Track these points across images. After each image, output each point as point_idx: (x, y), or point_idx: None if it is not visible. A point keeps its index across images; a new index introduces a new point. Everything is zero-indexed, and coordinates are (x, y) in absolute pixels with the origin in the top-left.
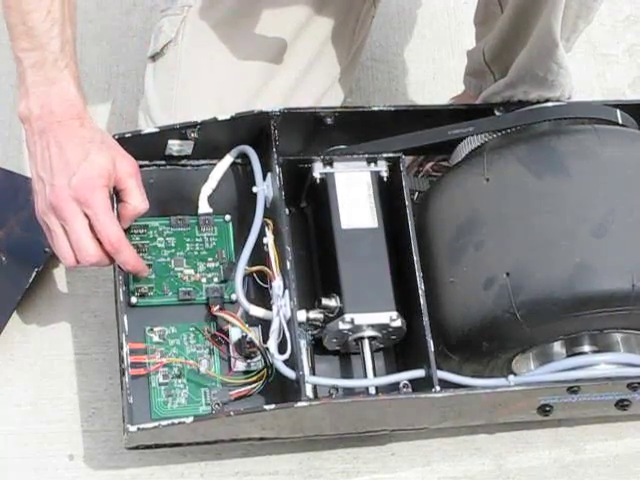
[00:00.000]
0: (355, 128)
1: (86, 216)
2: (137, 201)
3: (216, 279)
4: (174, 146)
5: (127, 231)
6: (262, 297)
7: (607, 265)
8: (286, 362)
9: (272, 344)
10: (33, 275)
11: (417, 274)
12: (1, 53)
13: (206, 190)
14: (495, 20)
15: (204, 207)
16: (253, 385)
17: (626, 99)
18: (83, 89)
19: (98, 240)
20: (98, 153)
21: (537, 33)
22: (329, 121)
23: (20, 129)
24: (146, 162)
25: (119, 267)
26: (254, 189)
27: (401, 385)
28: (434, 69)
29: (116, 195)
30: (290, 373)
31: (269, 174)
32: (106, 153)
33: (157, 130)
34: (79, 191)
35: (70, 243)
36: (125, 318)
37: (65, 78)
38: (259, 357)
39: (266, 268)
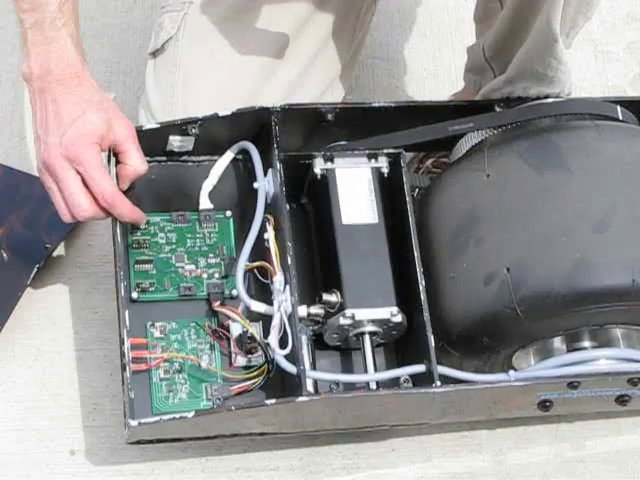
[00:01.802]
0: (356, 124)
1: (79, 173)
2: (136, 162)
3: (217, 275)
4: (175, 142)
5: (129, 227)
6: (263, 293)
7: (607, 260)
8: (287, 357)
9: (273, 339)
10: (34, 272)
11: (418, 270)
12: (1, 48)
13: (207, 186)
14: (495, 17)
15: (205, 203)
16: (254, 380)
17: (626, 96)
18: (83, 49)
19: (93, 195)
20: (93, 113)
21: (536, 29)
22: (330, 117)
23: (22, 126)
24: (147, 158)
25: (117, 220)
26: (255, 185)
27: (402, 380)
28: (434, 66)
29: (115, 157)
30: (291, 368)
31: (270, 170)
32: (102, 113)
33: (158, 126)
34: (69, 149)
35: (64, 199)
36: (126, 313)
37: (62, 37)
38: (260, 352)
39: (267, 264)
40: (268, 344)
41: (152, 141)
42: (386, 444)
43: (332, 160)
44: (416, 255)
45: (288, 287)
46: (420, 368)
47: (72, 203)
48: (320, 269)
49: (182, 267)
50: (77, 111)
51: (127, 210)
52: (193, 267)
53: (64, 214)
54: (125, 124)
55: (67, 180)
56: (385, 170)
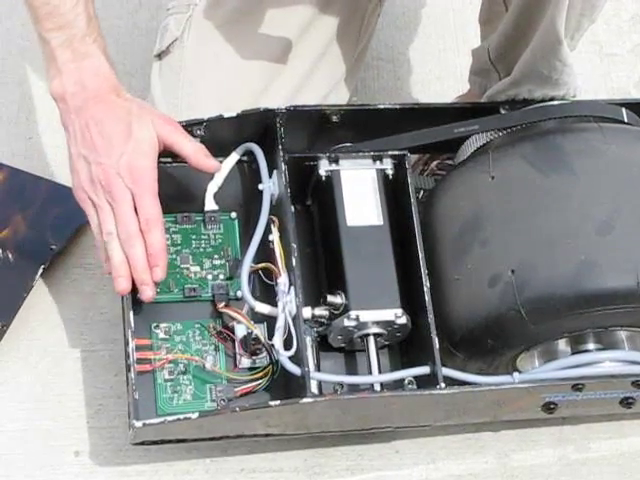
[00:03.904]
0: (361, 126)
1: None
2: (189, 147)
3: (222, 276)
4: None
5: None
6: (268, 294)
7: (612, 263)
8: (291, 359)
9: (277, 341)
10: (39, 272)
11: (422, 271)
12: (7, 48)
13: (212, 187)
14: (500, 19)
15: (210, 204)
16: (258, 381)
17: (631, 98)
18: (113, 62)
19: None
20: (139, 125)
21: (541, 31)
22: (335, 119)
23: (27, 127)
24: None
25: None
26: (260, 186)
27: (406, 382)
28: (439, 68)
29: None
30: (295, 369)
31: (275, 171)
32: (147, 122)
33: None
34: (126, 171)
35: (115, 218)
36: (131, 314)
37: (95, 53)
38: (264, 354)
39: (272, 265)
40: (272, 345)
41: None
42: (390, 446)
43: (337, 162)
44: (421, 257)
45: (293, 288)
46: (424, 370)
47: (123, 221)
48: (325, 270)
49: (187, 268)
50: (124, 128)
51: (160, 241)
52: (198, 268)
53: (109, 230)
54: (165, 119)
55: (123, 200)
56: (390, 172)
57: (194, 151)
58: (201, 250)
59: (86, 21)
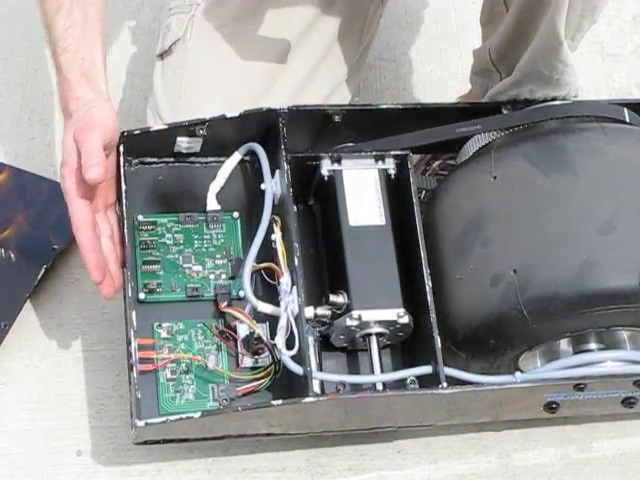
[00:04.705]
0: (363, 126)
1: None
2: (82, 156)
3: (224, 276)
4: (182, 143)
5: (136, 228)
6: (270, 294)
7: (614, 262)
8: (294, 358)
9: (280, 340)
10: (41, 272)
11: (424, 271)
12: (9, 48)
13: (214, 187)
14: (500, 20)
15: (212, 204)
16: (261, 381)
17: (633, 98)
18: (87, 66)
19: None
20: (64, 144)
21: (542, 32)
22: (337, 119)
23: (29, 127)
24: (155, 159)
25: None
26: (262, 186)
27: (408, 381)
28: (441, 68)
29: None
30: (297, 369)
31: (277, 171)
32: (69, 137)
33: (165, 127)
34: None
35: None
36: (133, 314)
37: (58, 65)
38: (267, 353)
39: (274, 265)
40: (275, 345)
41: (160, 142)
42: (392, 445)
43: (339, 161)
44: (423, 256)
45: (295, 288)
46: (426, 369)
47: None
48: (327, 270)
49: (189, 268)
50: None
51: (80, 242)
52: (200, 268)
53: None
54: (82, 127)
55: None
56: (392, 172)
57: (84, 160)
58: (203, 250)
59: (62, 30)
